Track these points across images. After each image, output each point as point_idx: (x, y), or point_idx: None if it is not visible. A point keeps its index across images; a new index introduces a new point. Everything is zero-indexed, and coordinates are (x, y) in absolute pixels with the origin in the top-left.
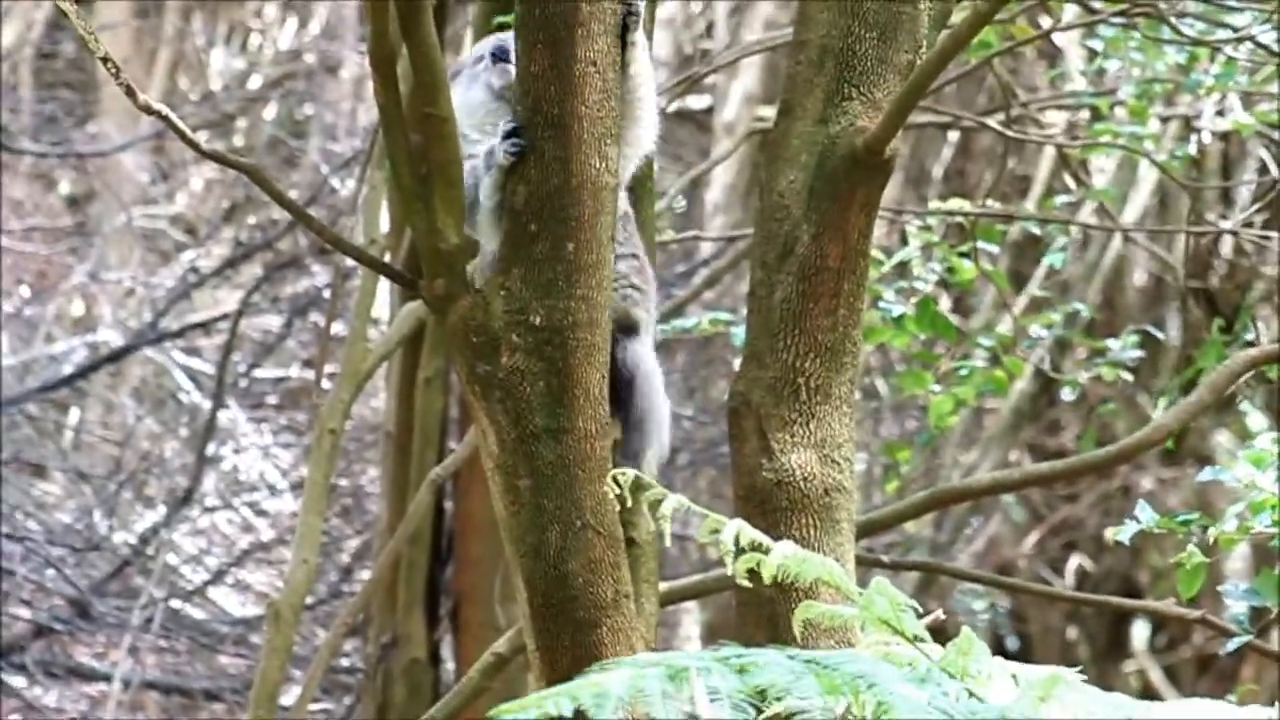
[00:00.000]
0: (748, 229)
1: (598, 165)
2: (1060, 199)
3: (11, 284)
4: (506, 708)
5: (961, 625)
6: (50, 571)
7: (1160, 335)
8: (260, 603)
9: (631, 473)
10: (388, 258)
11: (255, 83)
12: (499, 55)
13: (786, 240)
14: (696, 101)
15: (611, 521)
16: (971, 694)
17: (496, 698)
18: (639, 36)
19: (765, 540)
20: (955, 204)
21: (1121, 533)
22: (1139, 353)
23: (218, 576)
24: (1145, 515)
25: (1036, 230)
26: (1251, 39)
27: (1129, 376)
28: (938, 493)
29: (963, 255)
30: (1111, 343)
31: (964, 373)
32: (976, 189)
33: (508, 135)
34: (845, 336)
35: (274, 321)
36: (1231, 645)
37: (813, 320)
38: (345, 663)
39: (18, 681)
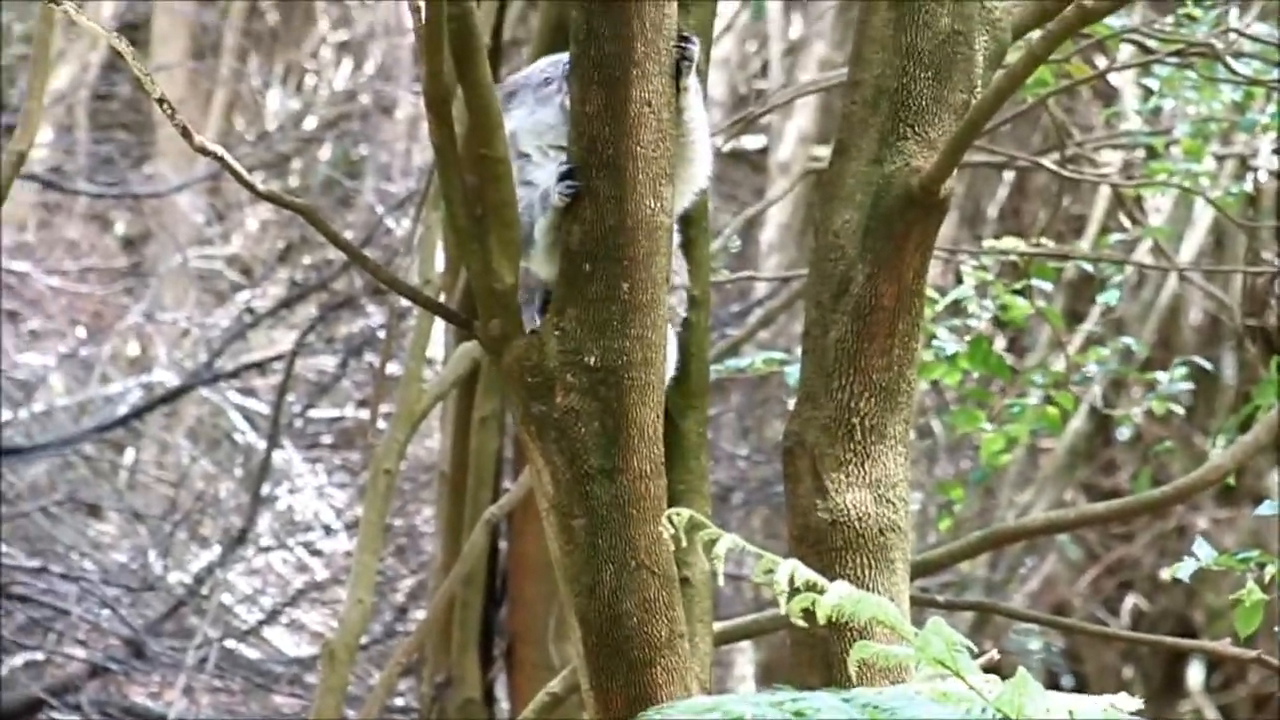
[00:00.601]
0: (802, 269)
1: (652, 205)
2: (1115, 237)
3: (67, 324)
4: None
5: (1017, 665)
6: (105, 611)
7: (1211, 369)
8: (315, 642)
9: (686, 512)
10: (443, 298)
11: (310, 123)
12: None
13: (841, 280)
14: (751, 141)
15: (666, 561)
16: None
17: None
18: (692, 80)
19: (820, 580)
20: (1010, 243)
21: (1181, 569)
22: (1189, 385)
23: (272, 616)
24: (1204, 552)
25: (1092, 269)
26: None
27: (1180, 410)
28: (993, 533)
29: (1017, 293)
30: (1161, 375)
31: (1016, 410)
32: (1031, 227)
33: (563, 177)
34: (900, 376)
35: (329, 362)
36: None
37: (868, 360)
38: (400, 702)
39: None
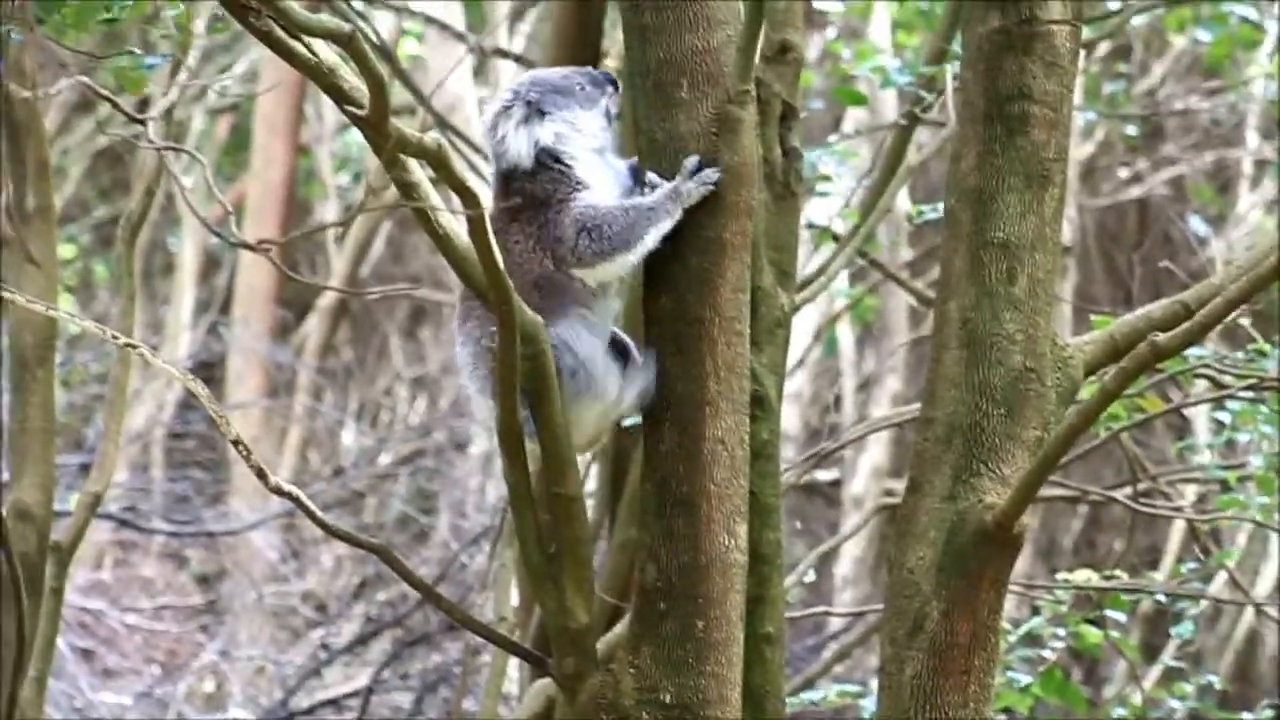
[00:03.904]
0: (877, 604)
1: (727, 543)
2: (1189, 566)
3: (143, 663)
4: None
5: None
6: None
7: None
8: None
9: None
10: (517, 635)
11: (385, 459)
12: (615, 83)
13: (916, 616)
14: (824, 474)
15: None
16: None
17: None
18: None
19: None
20: (1084, 577)
21: None
22: None
23: None
24: None
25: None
26: None
27: None
28: None
29: (1091, 622)
30: (1246, 716)
31: None
32: (1106, 559)
33: (698, 169)
34: (977, 713)
35: (404, 699)
36: None
37: (943, 696)
38: None
39: None
